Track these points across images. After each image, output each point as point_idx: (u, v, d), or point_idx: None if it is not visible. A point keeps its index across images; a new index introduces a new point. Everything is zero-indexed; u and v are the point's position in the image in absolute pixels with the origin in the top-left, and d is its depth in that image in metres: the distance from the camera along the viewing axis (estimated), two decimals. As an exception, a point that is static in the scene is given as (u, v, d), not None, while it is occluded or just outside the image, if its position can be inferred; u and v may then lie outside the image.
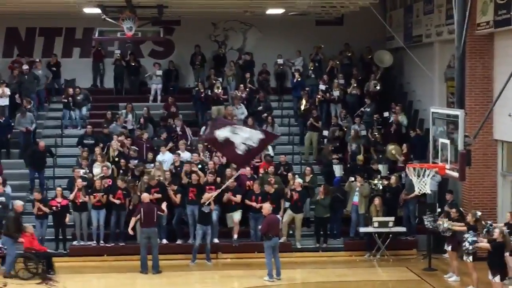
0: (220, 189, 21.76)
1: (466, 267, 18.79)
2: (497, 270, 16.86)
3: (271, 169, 23.43)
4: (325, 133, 26.22)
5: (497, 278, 16.83)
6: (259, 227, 20.61)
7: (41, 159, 24.37)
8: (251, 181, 23.09)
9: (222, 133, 19.41)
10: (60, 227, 22.32)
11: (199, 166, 23.34)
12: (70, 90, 27.33)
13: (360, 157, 24.71)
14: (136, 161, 23.81)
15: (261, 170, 23.80)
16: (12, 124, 25.77)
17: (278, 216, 21.54)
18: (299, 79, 28.37)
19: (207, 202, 21.37)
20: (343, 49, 29.37)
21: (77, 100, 27.28)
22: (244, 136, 19.35)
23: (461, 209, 21.01)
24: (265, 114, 26.69)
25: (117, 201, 22.20)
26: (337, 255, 22.71)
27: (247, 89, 27.77)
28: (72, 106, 27.25)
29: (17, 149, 25.77)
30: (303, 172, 23.84)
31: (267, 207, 20.43)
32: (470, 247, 18.20)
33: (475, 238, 18.06)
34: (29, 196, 23.52)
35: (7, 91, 26.42)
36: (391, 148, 24.67)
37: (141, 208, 20.89)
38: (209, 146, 23.26)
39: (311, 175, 23.50)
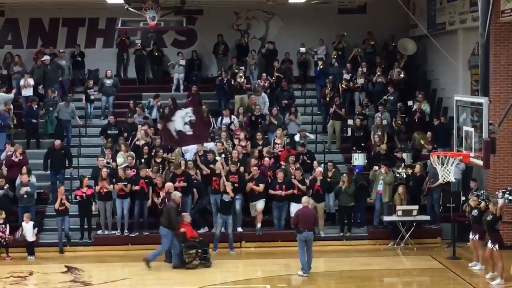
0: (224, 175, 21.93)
1: (488, 255, 18.69)
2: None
3: (291, 158, 23.41)
4: (350, 122, 26.16)
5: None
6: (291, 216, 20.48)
7: (59, 160, 23.78)
8: (271, 172, 23.11)
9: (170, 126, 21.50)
10: (85, 216, 22.47)
11: (222, 155, 23.39)
12: (91, 82, 27.37)
13: (383, 146, 24.64)
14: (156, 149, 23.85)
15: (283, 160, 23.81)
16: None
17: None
18: (321, 67, 28.28)
19: (225, 190, 21.46)
20: (366, 37, 29.25)
21: (106, 84, 27.22)
22: (180, 117, 21.27)
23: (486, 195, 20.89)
24: (287, 102, 26.67)
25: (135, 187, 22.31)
26: (361, 243, 22.73)
27: (274, 78, 27.68)
28: (100, 92, 27.31)
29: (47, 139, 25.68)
30: (326, 167, 23.66)
31: (303, 199, 20.29)
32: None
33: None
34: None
35: (31, 81, 26.56)
36: (419, 137, 24.55)
37: (165, 198, 20.95)
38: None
39: (333, 170, 23.25)
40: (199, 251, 20.38)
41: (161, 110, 26.17)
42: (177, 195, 20.81)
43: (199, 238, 20.82)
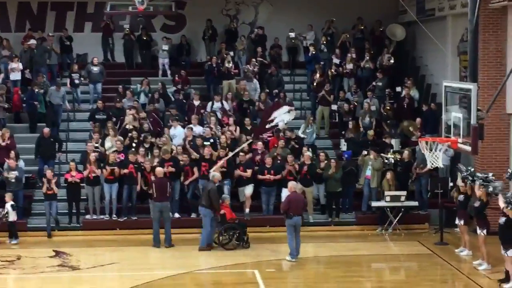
0: (224, 159, 22.00)
1: (477, 241, 18.78)
2: (509, 244, 16.82)
3: (281, 143, 23.42)
4: (334, 107, 26.16)
5: (510, 252, 16.80)
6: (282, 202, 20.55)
7: (49, 148, 23.61)
8: (259, 156, 23.16)
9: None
10: (74, 201, 22.44)
11: (211, 140, 23.38)
12: (75, 67, 27.08)
13: (371, 132, 24.67)
14: (144, 134, 23.82)
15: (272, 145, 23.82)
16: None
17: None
18: (313, 53, 28.23)
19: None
20: (355, 23, 29.21)
21: (93, 71, 27.05)
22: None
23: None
24: (277, 90, 26.65)
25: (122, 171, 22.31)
26: (349, 229, 22.78)
27: (257, 64, 27.65)
28: (87, 80, 27.16)
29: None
30: (317, 156, 23.51)
31: (289, 185, 20.28)
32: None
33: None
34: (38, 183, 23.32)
35: (20, 65, 26.43)
36: (407, 124, 24.56)
37: (154, 182, 21.00)
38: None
39: (326, 161, 22.99)
40: (238, 232, 20.68)
41: (149, 95, 26.12)
42: (216, 176, 20.96)
43: (238, 219, 21.15)
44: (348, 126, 25.13)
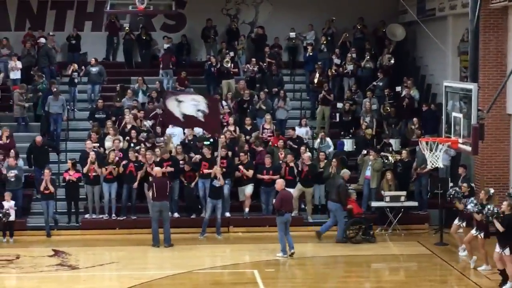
0: (218, 162, 21.87)
1: (476, 242, 18.72)
2: (507, 242, 16.78)
3: (280, 143, 23.39)
4: (339, 105, 26.13)
5: (507, 251, 16.75)
6: (273, 201, 20.51)
7: (42, 155, 23.22)
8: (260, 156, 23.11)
9: (171, 106, 21.41)
10: (73, 200, 22.41)
11: (211, 140, 23.34)
12: (75, 66, 26.95)
13: (369, 131, 24.64)
14: (145, 134, 23.77)
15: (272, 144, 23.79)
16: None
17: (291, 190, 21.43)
18: (311, 54, 28.21)
19: (215, 176, 21.48)
20: (356, 23, 29.17)
21: (92, 72, 26.92)
22: (192, 103, 21.21)
23: (472, 184, 20.95)
24: (277, 89, 26.61)
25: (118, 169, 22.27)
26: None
27: (265, 64, 27.57)
28: (86, 81, 27.10)
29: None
30: (317, 157, 23.45)
31: (280, 182, 20.31)
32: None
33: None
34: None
35: (19, 64, 26.42)
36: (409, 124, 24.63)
37: (153, 182, 20.96)
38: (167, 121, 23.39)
39: (325, 161, 23.00)
40: (363, 227, 21.21)
41: (147, 94, 26.10)
42: (346, 172, 21.73)
43: (364, 214, 21.59)
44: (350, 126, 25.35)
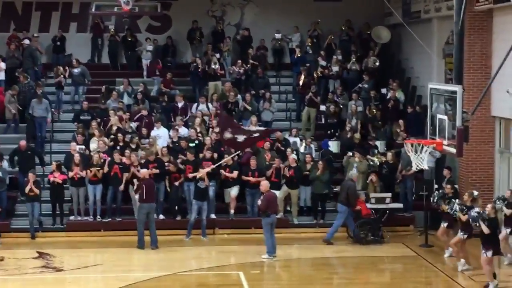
0: (214, 165, 21.84)
1: (463, 244, 18.77)
2: (490, 245, 16.87)
3: (266, 145, 23.38)
4: (322, 107, 26.14)
5: (489, 253, 16.84)
6: (259, 202, 20.48)
7: (27, 161, 22.84)
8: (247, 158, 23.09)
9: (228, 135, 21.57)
10: (57, 202, 22.32)
11: (196, 142, 23.32)
12: (61, 69, 26.87)
13: (357, 135, 24.67)
14: (129, 136, 23.71)
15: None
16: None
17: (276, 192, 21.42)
18: (299, 55, 28.21)
19: (200, 177, 21.43)
20: (342, 25, 29.19)
21: (74, 73, 26.82)
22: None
23: (456, 186, 21.00)
24: (263, 91, 26.61)
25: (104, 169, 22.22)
26: (333, 231, 22.75)
27: (248, 65, 27.57)
28: (70, 82, 27.01)
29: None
30: (303, 160, 23.37)
31: (265, 184, 20.30)
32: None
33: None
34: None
35: (3, 65, 26.29)
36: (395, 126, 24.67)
37: (142, 184, 20.83)
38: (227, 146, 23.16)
39: (312, 163, 22.98)
40: (373, 228, 21.42)
41: (132, 96, 26.04)
42: (354, 174, 21.85)
43: (372, 215, 21.70)
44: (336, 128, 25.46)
